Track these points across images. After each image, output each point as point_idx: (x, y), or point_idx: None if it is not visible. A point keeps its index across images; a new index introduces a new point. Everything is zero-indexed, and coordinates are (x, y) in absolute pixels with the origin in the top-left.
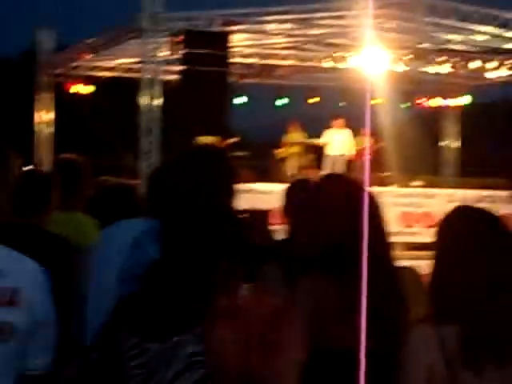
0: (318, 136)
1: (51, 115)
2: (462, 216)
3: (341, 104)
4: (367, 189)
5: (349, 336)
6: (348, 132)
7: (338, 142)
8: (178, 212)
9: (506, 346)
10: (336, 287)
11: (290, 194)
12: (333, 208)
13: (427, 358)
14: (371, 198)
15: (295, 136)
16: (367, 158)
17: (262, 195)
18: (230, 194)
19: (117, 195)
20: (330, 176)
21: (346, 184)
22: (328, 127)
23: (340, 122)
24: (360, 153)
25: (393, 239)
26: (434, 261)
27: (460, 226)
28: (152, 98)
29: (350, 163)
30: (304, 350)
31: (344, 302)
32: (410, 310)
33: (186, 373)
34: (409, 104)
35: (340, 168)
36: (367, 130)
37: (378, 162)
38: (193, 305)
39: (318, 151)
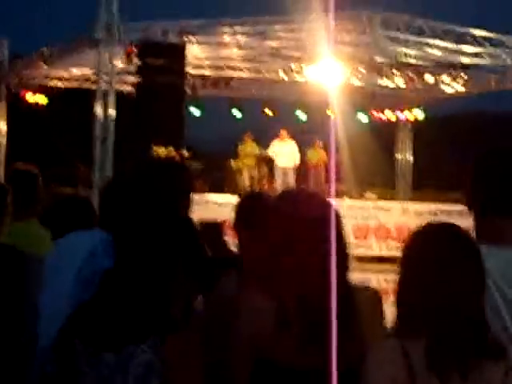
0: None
1: (4, 125)
2: (429, 234)
3: (296, 116)
4: (333, 205)
5: (283, 352)
6: (293, 143)
7: (285, 154)
8: (133, 223)
9: (470, 358)
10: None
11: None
12: (291, 231)
13: (391, 370)
14: (336, 215)
15: (249, 148)
16: (329, 169)
17: (216, 206)
18: (187, 205)
19: (70, 206)
20: (288, 193)
21: (308, 202)
22: (274, 138)
23: (283, 133)
24: (316, 164)
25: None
26: (399, 276)
27: (427, 246)
28: (107, 109)
29: (299, 174)
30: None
31: (280, 318)
32: (365, 331)
33: (142, 382)
34: (364, 116)
35: (291, 179)
36: (332, 141)
37: (331, 174)
38: (148, 314)
39: (271, 163)
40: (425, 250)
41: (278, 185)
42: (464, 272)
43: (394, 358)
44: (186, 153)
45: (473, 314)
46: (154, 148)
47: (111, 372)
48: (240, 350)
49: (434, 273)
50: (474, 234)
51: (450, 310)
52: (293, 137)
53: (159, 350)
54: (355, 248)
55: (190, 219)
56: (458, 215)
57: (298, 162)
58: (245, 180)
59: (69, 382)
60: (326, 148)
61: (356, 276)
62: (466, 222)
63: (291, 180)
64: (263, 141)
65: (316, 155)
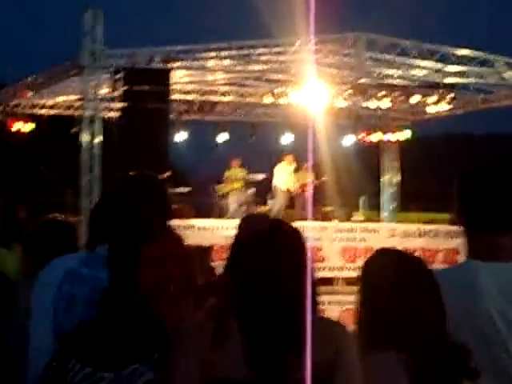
0: (259, 171)
1: None
2: (382, 262)
3: (282, 140)
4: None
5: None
6: (293, 167)
7: (288, 177)
8: (127, 239)
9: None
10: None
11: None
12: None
13: (392, 382)
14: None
15: (236, 172)
16: (310, 192)
17: (203, 231)
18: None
19: (53, 231)
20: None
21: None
22: (279, 161)
23: (289, 157)
24: (302, 187)
25: (335, 274)
26: (359, 304)
27: (382, 273)
28: (93, 136)
29: (295, 198)
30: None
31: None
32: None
33: None
34: (350, 138)
35: (293, 203)
36: (310, 164)
37: (319, 197)
38: (147, 334)
39: (258, 187)
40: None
41: (281, 207)
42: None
43: (396, 370)
44: (164, 175)
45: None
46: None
47: None
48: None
49: (393, 299)
50: (465, 251)
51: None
52: (279, 160)
53: (160, 369)
54: (344, 270)
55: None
56: (445, 236)
57: (295, 185)
58: (231, 204)
59: None
60: (313, 170)
61: (345, 298)
62: (454, 243)
63: (293, 203)
64: (250, 165)
65: (303, 178)
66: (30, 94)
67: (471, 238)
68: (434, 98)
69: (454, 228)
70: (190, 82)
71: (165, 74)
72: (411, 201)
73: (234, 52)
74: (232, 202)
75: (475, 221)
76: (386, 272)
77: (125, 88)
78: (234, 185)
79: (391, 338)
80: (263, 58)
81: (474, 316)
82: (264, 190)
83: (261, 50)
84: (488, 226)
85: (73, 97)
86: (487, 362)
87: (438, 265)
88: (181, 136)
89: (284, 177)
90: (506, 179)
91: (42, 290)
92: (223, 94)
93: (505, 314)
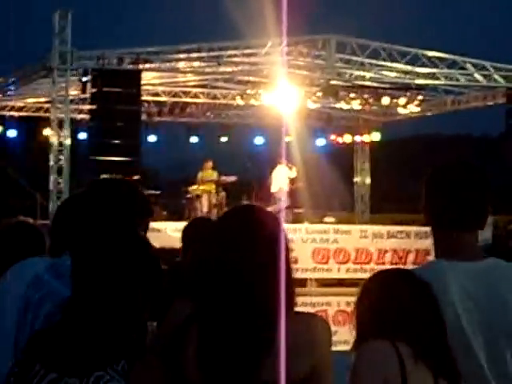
0: (231, 173)
1: None
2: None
3: (254, 140)
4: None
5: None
6: (286, 169)
7: (280, 179)
8: (91, 245)
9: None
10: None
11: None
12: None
13: (383, 371)
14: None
15: (208, 174)
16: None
17: (174, 233)
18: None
19: (17, 233)
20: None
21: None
22: (276, 164)
23: (280, 159)
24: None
25: (307, 275)
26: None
27: (380, 295)
28: (62, 137)
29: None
30: None
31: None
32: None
33: None
34: (322, 140)
35: (283, 204)
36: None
37: (291, 199)
38: (113, 339)
39: (229, 189)
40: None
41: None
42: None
43: (387, 359)
44: (134, 178)
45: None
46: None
47: None
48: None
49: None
50: (433, 250)
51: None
52: (253, 161)
53: (127, 374)
54: (316, 272)
55: (148, 242)
56: (416, 237)
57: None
58: (203, 206)
59: None
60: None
61: (317, 299)
62: (425, 243)
63: (284, 204)
64: (221, 166)
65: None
66: None
67: (439, 236)
68: (404, 99)
69: (425, 229)
70: (161, 84)
71: (135, 76)
72: (383, 202)
73: (204, 54)
74: (204, 204)
75: (442, 219)
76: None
77: (94, 90)
78: (206, 187)
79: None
80: (234, 59)
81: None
82: (237, 191)
83: (231, 52)
84: (455, 225)
85: (42, 99)
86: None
87: (409, 265)
88: (152, 137)
89: (283, 179)
90: (472, 177)
91: (6, 294)
92: (194, 96)
93: (471, 313)
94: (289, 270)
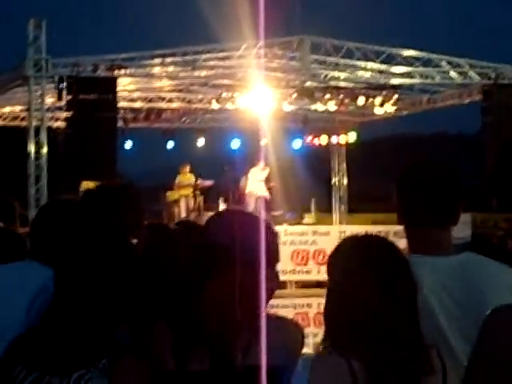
0: (208, 177)
1: None
2: (351, 248)
3: (231, 144)
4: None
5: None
6: (267, 171)
7: (259, 182)
8: (74, 250)
9: (409, 376)
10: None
11: None
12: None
13: None
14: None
15: (185, 178)
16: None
17: None
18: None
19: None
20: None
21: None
22: (252, 166)
23: (259, 162)
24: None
25: (286, 277)
26: (327, 295)
27: (350, 259)
28: (39, 146)
29: (236, 202)
30: None
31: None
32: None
33: None
34: (298, 142)
35: (262, 207)
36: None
37: (269, 201)
38: (94, 339)
39: (206, 193)
40: (353, 268)
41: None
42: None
43: (340, 374)
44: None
45: (406, 331)
46: (84, 183)
47: None
48: None
49: (363, 289)
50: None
51: (381, 327)
52: (230, 165)
53: (108, 373)
54: (296, 274)
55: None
56: (395, 236)
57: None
58: (181, 211)
59: None
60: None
61: (297, 301)
62: (403, 243)
63: (262, 207)
64: (198, 170)
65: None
66: None
67: (411, 234)
68: (379, 99)
69: (403, 228)
70: (136, 90)
71: (110, 82)
72: (361, 202)
73: (178, 58)
74: (182, 208)
75: (413, 217)
76: (355, 257)
77: (69, 97)
78: (183, 191)
79: (355, 338)
80: (209, 63)
81: None
82: (214, 194)
83: (206, 56)
84: (426, 222)
85: (18, 107)
86: None
87: None
88: (128, 144)
89: (256, 182)
90: (440, 175)
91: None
92: (170, 101)
93: (447, 308)
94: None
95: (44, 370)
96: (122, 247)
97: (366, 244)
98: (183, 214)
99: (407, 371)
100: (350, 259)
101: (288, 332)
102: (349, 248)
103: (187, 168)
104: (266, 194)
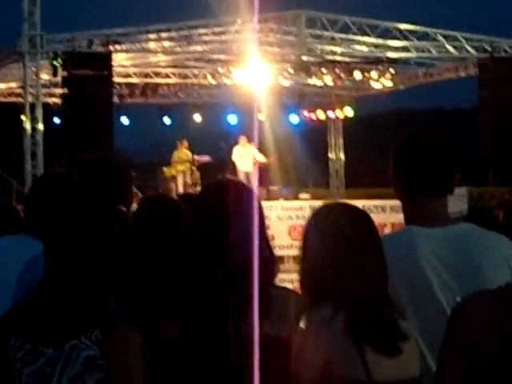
0: (205, 153)
1: None
2: (327, 214)
3: (227, 119)
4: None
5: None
6: (252, 148)
7: (246, 159)
8: (65, 221)
9: (386, 334)
10: None
11: None
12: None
13: (328, 340)
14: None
15: (183, 154)
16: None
17: None
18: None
19: None
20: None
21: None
22: (235, 144)
23: (243, 139)
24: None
25: (284, 252)
26: (302, 258)
27: (325, 225)
28: (35, 122)
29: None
30: None
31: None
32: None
33: (84, 375)
34: (295, 117)
35: (252, 183)
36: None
37: (265, 177)
38: (86, 310)
39: (203, 169)
40: (329, 233)
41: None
42: (363, 248)
43: (332, 327)
44: None
45: (375, 299)
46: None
47: (51, 367)
48: None
49: (336, 249)
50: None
51: (356, 284)
52: (227, 140)
53: (101, 344)
54: (293, 249)
55: (123, 216)
56: (392, 210)
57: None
58: (179, 186)
59: (3, 380)
60: (259, 150)
61: (295, 276)
62: (400, 217)
63: (252, 184)
64: (195, 146)
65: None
66: None
67: (408, 204)
68: (375, 73)
69: (400, 203)
70: (132, 65)
71: (105, 58)
72: (358, 177)
73: (174, 33)
74: (179, 184)
75: (409, 186)
76: (331, 225)
77: (65, 73)
78: (180, 167)
79: (329, 294)
80: (204, 38)
81: (412, 283)
82: (211, 170)
83: (201, 31)
84: (422, 190)
85: (13, 84)
86: (423, 327)
87: None
88: (124, 120)
89: (240, 158)
90: (436, 142)
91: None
92: (166, 77)
93: (443, 280)
94: (265, 242)
95: (36, 341)
96: (111, 216)
97: (340, 215)
98: (180, 190)
99: (382, 338)
100: (324, 230)
101: (290, 302)
102: (322, 219)
103: (185, 144)
104: (250, 169)
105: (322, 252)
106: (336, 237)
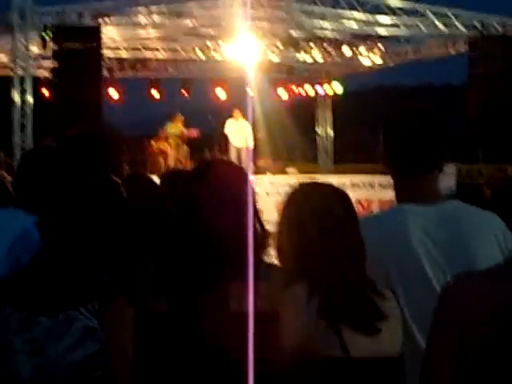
0: (193, 127)
1: None
2: (303, 193)
3: (216, 94)
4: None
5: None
6: (246, 123)
7: (239, 133)
8: (58, 193)
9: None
10: None
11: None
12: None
13: (311, 314)
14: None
15: (176, 129)
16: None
17: None
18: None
19: None
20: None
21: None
22: (228, 117)
23: (237, 112)
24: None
25: (271, 227)
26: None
27: (301, 204)
28: (24, 95)
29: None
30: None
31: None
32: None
33: (80, 346)
34: (283, 92)
35: (244, 158)
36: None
37: (253, 150)
38: (83, 281)
39: (192, 144)
40: (305, 214)
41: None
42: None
43: (311, 303)
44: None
45: (353, 278)
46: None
47: (46, 336)
48: None
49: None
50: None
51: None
52: (215, 115)
53: (98, 315)
54: None
55: (117, 185)
56: (380, 187)
57: (251, 142)
58: (168, 160)
59: None
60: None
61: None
62: (388, 193)
63: (244, 159)
64: (184, 120)
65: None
66: None
67: (398, 182)
68: (364, 50)
69: (389, 179)
70: (121, 39)
71: (95, 31)
72: (346, 153)
73: (163, 7)
74: (170, 158)
75: (400, 164)
76: (307, 203)
77: (55, 46)
78: (171, 140)
79: (305, 272)
80: (194, 12)
81: (403, 262)
82: (199, 145)
83: (191, 4)
84: (412, 167)
85: (3, 56)
86: (413, 305)
87: None
88: (113, 93)
89: (233, 132)
90: (426, 120)
91: None
92: (155, 50)
93: (433, 257)
94: (257, 220)
95: (32, 309)
96: (105, 187)
97: (315, 194)
98: (170, 164)
99: (359, 318)
100: (300, 208)
101: (276, 278)
102: (299, 198)
103: (180, 118)
104: (242, 145)
105: (297, 231)
106: (312, 216)
